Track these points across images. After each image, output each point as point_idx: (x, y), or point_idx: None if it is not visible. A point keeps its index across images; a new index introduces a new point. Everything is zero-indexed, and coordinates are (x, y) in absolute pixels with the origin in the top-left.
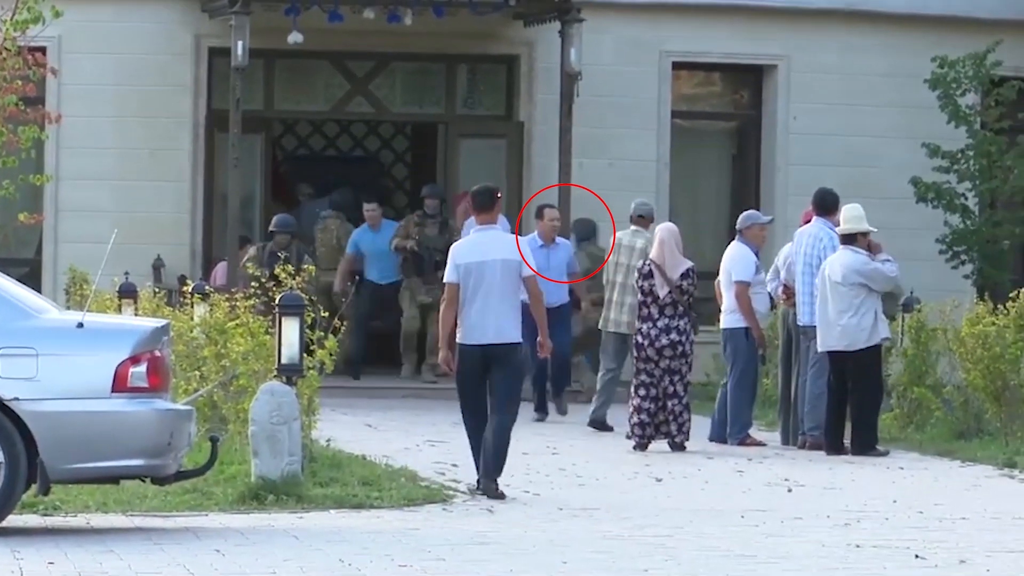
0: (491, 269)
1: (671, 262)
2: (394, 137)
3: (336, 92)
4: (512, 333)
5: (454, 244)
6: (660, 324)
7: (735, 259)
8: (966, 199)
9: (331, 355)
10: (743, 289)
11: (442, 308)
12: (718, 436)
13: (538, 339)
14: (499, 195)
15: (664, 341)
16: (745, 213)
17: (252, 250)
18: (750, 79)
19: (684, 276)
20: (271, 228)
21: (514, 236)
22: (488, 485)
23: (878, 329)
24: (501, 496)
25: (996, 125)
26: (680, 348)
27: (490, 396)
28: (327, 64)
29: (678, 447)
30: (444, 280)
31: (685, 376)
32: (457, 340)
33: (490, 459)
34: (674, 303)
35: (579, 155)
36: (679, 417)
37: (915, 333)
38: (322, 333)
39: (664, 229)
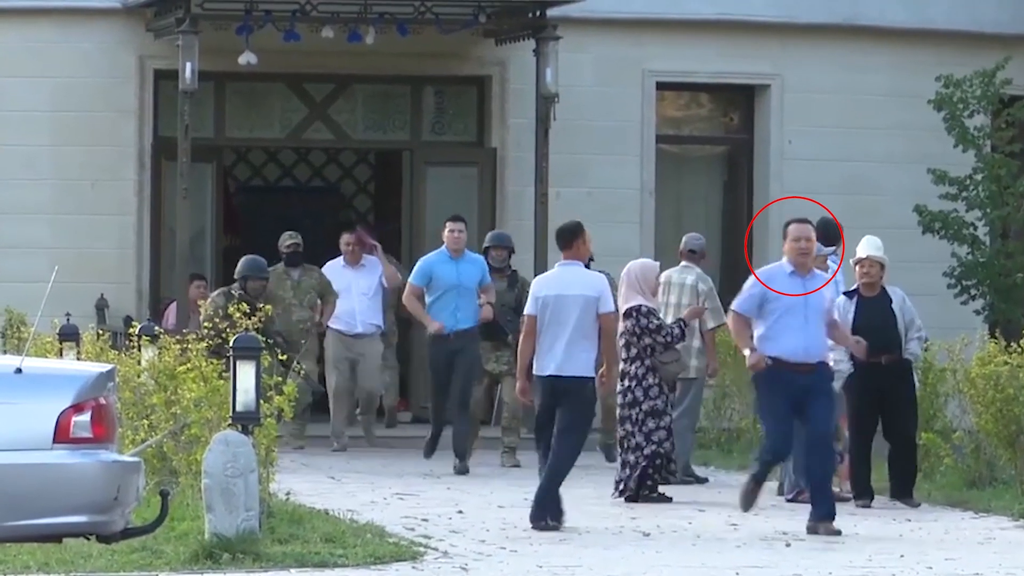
0: (567, 303)
1: (622, 302)
2: (356, 166)
3: (293, 117)
4: (581, 367)
5: (536, 278)
6: (623, 370)
7: None
8: (975, 228)
9: (289, 401)
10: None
11: (521, 340)
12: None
13: (600, 372)
14: (582, 231)
15: (619, 388)
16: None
17: (216, 297)
18: (741, 100)
19: (627, 316)
20: (242, 273)
21: (597, 273)
22: (536, 523)
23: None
24: (554, 528)
25: (1007, 148)
26: (630, 396)
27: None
28: (283, 87)
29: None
30: (524, 313)
31: (642, 425)
32: (533, 372)
33: (539, 498)
34: (627, 345)
35: (556, 183)
36: (633, 470)
37: (922, 374)
38: (280, 379)
39: (629, 265)
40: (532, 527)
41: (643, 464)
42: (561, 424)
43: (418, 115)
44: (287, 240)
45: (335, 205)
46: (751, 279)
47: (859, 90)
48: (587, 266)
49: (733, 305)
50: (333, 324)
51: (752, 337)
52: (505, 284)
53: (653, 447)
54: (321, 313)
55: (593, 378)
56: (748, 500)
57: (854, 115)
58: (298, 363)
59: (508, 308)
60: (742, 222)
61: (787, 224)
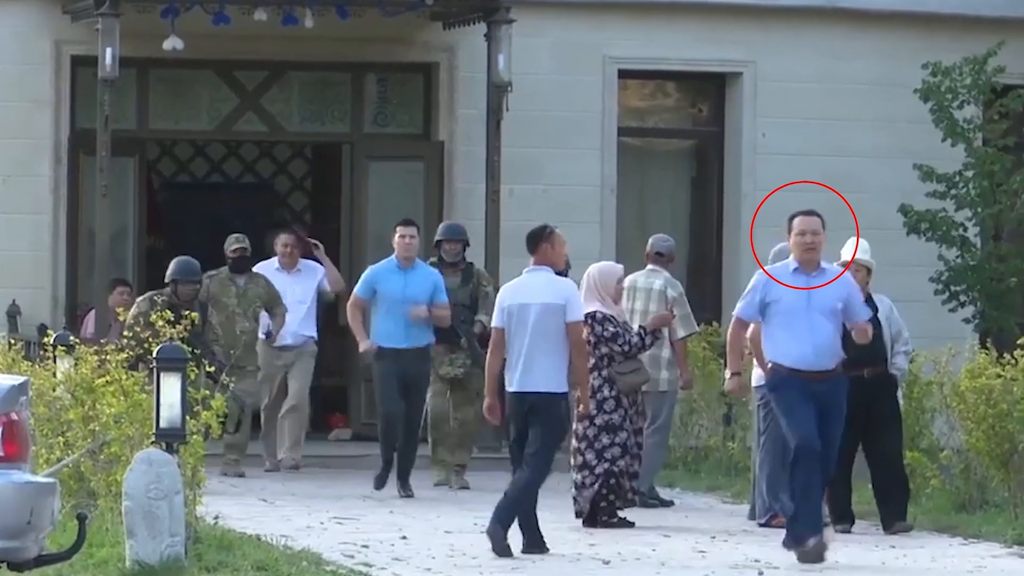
0: (531, 313)
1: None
2: (291, 160)
3: (222, 108)
4: (548, 382)
5: (503, 287)
6: None
7: None
8: (965, 229)
9: (218, 417)
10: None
11: (488, 354)
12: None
13: (576, 395)
14: (549, 233)
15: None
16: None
17: (140, 303)
18: (711, 89)
19: (584, 321)
20: (173, 276)
21: (563, 278)
22: (495, 531)
23: None
24: (507, 552)
25: (1000, 142)
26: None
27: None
28: (211, 75)
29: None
30: (492, 325)
31: (594, 442)
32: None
33: (500, 506)
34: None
35: (509, 180)
36: (582, 490)
37: (907, 388)
38: (207, 393)
39: (589, 268)
40: (492, 545)
41: (594, 485)
42: (530, 446)
43: (359, 105)
44: (233, 244)
45: (268, 203)
46: (756, 275)
47: (840, 79)
48: (564, 273)
49: (735, 310)
50: (262, 333)
51: (741, 355)
52: (459, 279)
53: (605, 465)
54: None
55: (564, 394)
56: (817, 551)
57: (834, 106)
58: (227, 377)
59: (462, 306)
60: (711, 221)
61: (792, 217)
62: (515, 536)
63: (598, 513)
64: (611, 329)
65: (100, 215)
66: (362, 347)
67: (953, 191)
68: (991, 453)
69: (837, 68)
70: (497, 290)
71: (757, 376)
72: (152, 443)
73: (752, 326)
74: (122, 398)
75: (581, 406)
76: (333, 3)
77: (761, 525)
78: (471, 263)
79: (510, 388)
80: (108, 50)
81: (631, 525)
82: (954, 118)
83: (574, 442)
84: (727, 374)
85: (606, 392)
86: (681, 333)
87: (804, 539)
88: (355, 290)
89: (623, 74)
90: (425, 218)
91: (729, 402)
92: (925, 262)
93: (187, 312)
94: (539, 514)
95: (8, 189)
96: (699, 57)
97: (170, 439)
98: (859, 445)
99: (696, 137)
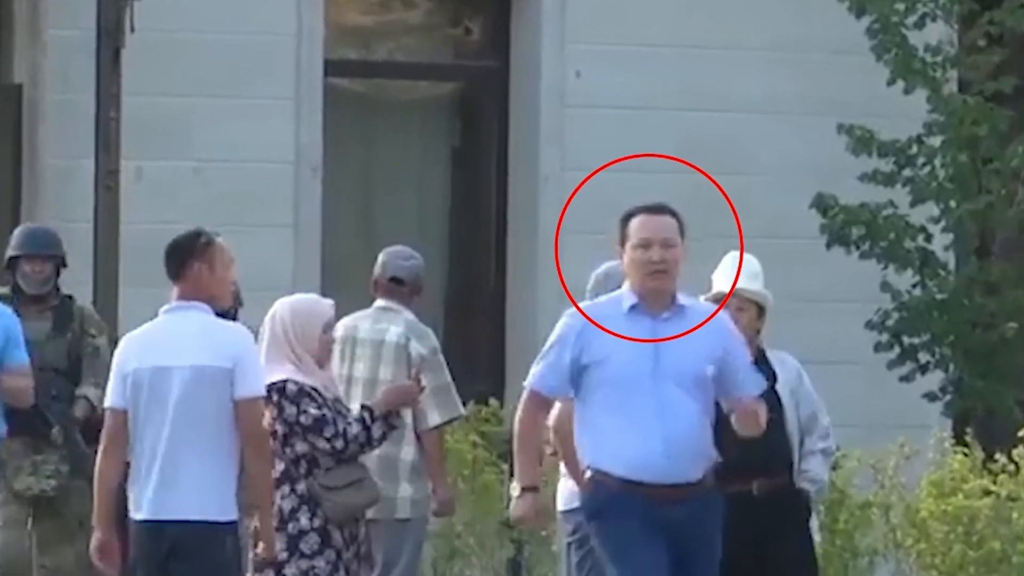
0: (175, 383)
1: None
2: None
3: None
4: (204, 505)
5: (123, 339)
6: None
7: None
8: (929, 238)
9: None
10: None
11: (100, 453)
12: None
13: (253, 525)
14: (204, 245)
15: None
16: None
17: None
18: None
19: (266, 398)
20: None
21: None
22: None
23: None
24: None
25: (989, 85)
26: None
27: None
28: None
29: None
30: (106, 404)
31: None
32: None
33: None
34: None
35: (136, 152)
36: None
37: (827, 512)
38: None
39: (275, 306)
40: None
41: None
42: None
43: None
44: None
45: None
46: (564, 319)
47: None
48: (232, 315)
49: (528, 378)
50: None
51: (540, 457)
52: (49, 325)
53: None
54: None
55: (232, 524)
56: None
57: (700, 25)
58: None
59: (55, 372)
60: (487, 223)
61: (627, 216)
62: None
63: None
64: (313, 411)
65: None
66: None
67: (908, 171)
68: None
69: None
70: (115, 343)
71: (567, 493)
72: None
73: (559, 406)
74: None
75: (261, 545)
76: None
77: None
78: (70, 296)
79: (137, 514)
80: None
81: None
82: (910, 45)
83: None
84: (515, 490)
85: (304, 521)
86: (435, 419)
87: None
88: None
89: None
90: None
91: (518, 538)
92: (859, 294)
93: None
94: None
95: None
96: None
97: None
98: None
99: (462, 77)
